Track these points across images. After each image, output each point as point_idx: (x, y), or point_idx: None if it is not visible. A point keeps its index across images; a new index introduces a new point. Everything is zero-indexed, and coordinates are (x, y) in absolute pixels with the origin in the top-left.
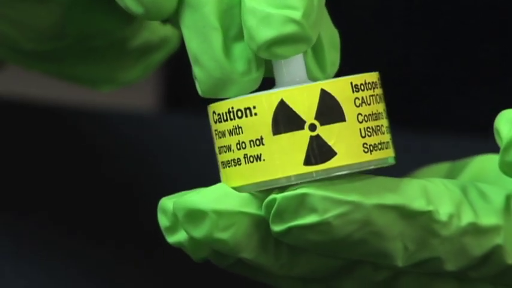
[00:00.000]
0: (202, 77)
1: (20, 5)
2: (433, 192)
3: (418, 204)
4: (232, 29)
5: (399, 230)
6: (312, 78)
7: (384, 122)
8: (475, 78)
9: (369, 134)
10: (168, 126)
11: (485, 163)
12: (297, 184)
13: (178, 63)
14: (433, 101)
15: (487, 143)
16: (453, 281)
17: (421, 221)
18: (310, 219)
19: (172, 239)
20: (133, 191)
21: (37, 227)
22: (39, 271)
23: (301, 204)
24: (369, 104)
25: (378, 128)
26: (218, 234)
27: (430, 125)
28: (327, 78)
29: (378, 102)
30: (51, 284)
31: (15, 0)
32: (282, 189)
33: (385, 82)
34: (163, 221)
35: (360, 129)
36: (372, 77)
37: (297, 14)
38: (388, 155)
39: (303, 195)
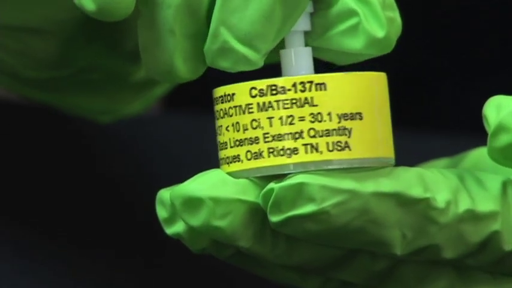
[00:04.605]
0: (149, 64)
1: (17, 35)
2: (429, 180)
3: (415, 191)
4: (191, 28)
5: (397, 217)
6: (373, 39)
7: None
8: (475, 78)
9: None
10: (167, 127)
11: (482, 154)
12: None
13: None
14: (433, 101)
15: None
16: (451, 270)
17: (418, 209)
18: (308, 208)
19: (170, 230)
20: (133, 192)
21: (36, 228)
22: (39, 271)
23: (299, 193)
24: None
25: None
26: (215, 222)
27: (430, 125)
28: (389, 36)
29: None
30: (51, 284)
31: (12, 29)
32: (279, 179)
33: None
34: (161, 212)
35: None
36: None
37: (256, 57)
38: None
39: (301, 185)
